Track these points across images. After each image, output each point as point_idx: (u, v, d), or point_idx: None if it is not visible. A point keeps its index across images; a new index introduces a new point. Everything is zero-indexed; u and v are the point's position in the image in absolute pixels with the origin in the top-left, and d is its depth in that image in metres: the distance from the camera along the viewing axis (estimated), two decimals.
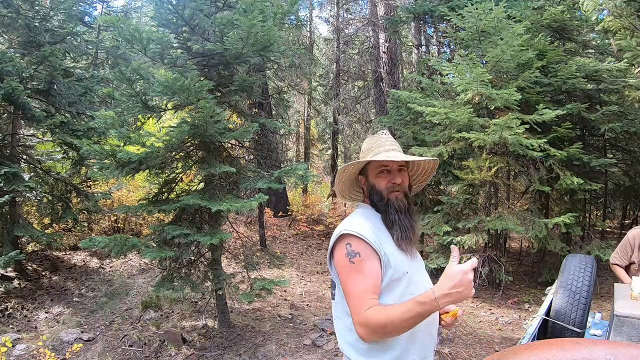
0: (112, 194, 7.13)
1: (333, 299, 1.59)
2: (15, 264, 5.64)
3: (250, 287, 4.52)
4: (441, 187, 8.21)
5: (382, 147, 1.57)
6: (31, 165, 6.38)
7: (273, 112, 9.40)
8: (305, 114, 14.50)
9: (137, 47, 3.92)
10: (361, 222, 1.49)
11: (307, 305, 5.72)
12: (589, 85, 6.36)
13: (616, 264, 3.29)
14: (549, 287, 3.55)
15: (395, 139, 1.69)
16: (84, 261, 6.71)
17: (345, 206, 10.78)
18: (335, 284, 1.56)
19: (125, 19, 4.01)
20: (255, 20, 3.79)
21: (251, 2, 3.93)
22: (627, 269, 3.27)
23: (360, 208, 1.62)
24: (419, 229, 1.57)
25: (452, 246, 1.38)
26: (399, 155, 1.54)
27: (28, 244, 6.59)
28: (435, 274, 6.48)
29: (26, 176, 6.04)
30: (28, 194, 6.19)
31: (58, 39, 6.22)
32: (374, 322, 1.34)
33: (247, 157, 6.40)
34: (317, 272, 7.35)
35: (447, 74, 6.47)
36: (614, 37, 5.89)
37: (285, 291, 6.16)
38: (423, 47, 12.68)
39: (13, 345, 4.15)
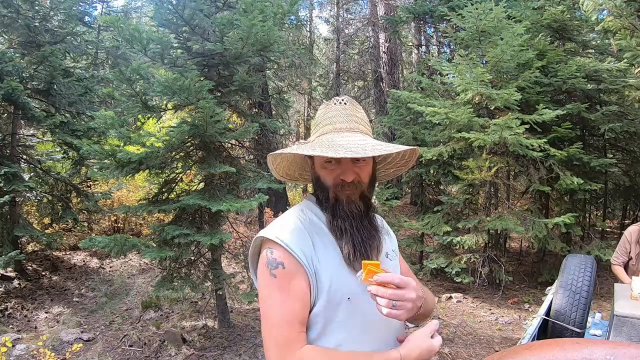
0: (112, 194, 7.13)
1: None
2: (15, 264, 5.64)
3: (250, 287, 4.52)
4: (441, 187, 8.21)
5: (330, 125, 1.12)
6: (31, 165, 6.38)
7: (273, 112, 9.39)
8: (305, 114, 14.51)
9: (137, 47, 3.92)
10: (291, 224, 1.10)
11: None
12: (589, 85, 6.36)
13: (616, 264, 3.32)
14: (549, 287, 3.55)
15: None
16: (84, 261, 6.71)
17: None
18: None
19: (125, 19, 4.02)
20: (255, 20, 3.79)
21: (251, 2, 3.93)
22: (626, 267, 3.29)
23: (303, 202, 1.21)
24: (382, 243, 1.16)
25: (433, 321, 1.11)
26: (347, 145, 1.06)
27: (28, 244, 6.59)
28: (434, 274, 6.50)
29: (26, 176, 6.05)
30: (28, 194, 6.19)
31: (58, 39, 6.22)
32: None
33: (247, 157, 6.40)
34: None
35: (447, 74, 6.47)
36: (614, 37, 5.89)
37: None
38: (423, 47, 12.68)
39: (13, 345, 4.15)
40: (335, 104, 1.14)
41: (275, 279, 1.03)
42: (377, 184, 1.28)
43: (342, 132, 1.10)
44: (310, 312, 1.06)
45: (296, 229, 1.08)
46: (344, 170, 1.09)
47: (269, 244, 1.07)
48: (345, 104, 1.14)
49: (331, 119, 1.12)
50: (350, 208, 1.10)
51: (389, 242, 1.26)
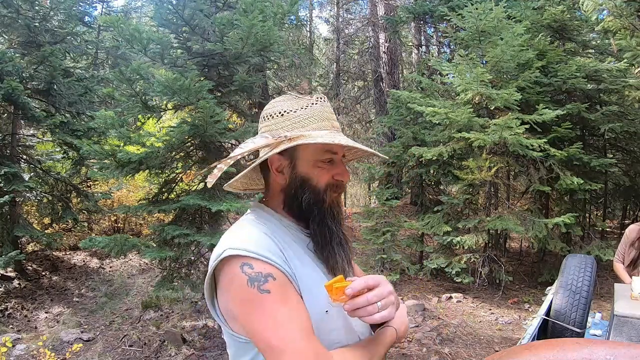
0: (112, 194, 7.13)
1: None
2: (15, 264, 5.65)
3: None
4: (441, 187, 8.21)
5: (327, 122, 1.00)
6: (31, 165, 6.39)
7: None
8: None
9: (137, 47, 3.93)
10: (255, 235, 0.91)
11: None
12: (589, 85, 6.35)
13: (617, 262, 3.32)
14: (549, 287, 3.55)
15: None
16: (84, 261, 6.71)
17: (345, 206, 10.76)
18: (227, 339, 0.97)
19: (125, 19, 4.01)
20: (255, 20, 3.79)
21: (251, 2, 3.93)
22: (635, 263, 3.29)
23: (254, 212, 1.01)
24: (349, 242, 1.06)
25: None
26: (353, 143, 0.98)
27: (28, 244, 6.59)
28: (434, 274, 6.50)
29: (26, 176, 6.05)
30: (28, 194, 6.20)
31: (58, 39, 6.23)
32: None
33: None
34: None
35: (447, 74, 6.47)
36: (614, 37, 5.89)
37: None
38: (423, 47, 12.68)
39: (13, 345, 4.15)
40: (315, 102, 1.01)
41: (269, 295, 0.84)
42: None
43: (339, 130, 1.02)
44: None
45: (262, 239, 0.90)
46: (341, 170, 1.00)
47: (239, 260, 0.86)
48: (324, 100, 1.03)
49: (324, 114, 1.01)
50: (337, 210, 1.01)
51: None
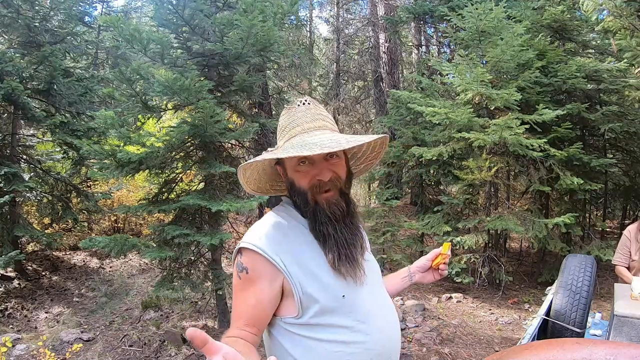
0: (112, 194, 7.13)
1: None
2: (15, 264, 5.64)
3: None
4: (441, 187, 8.21)
5: (298, 127, 1.09)
6: (31, 165, 6.39)
7: (273, 112, 9.39)
8: None
9: (137, 47, 3.92)
10: (266, 230, 1.10)
11: None
12: (589, 85, 6.35)
13: (618, 265, 3.30)
14: (549, 287, 3.55)
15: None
16: (84, 261, 6.71)
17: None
18: None
19: (125, 19, 4.01)
20: (255, 20, 3.79)
21: (251, 2, 3.93)
22: (629, 268, 3.27)
23: (280, 207, 1.19)
24: (363, 238, 1.18)
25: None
26: (320, 142, 1.03)
27: (28, 244, 6.59)
28: None
29: (26, 176, 6.05)
30: (28, 194, 6.19)
31: (58, 39, 6.22)
32: None
33: (247, 157, 6.40)
34: None
35: (447, 74, 6.47)
36: (614, 37, 5.88)
37: None
38: (423, 47, 12.68)
39: (13, 345, 4.15)
40: (298, 105, 1.12)
41: (239, 281, 1.08)
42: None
43: (311, 131, 1.08)
44: (302, 317, 1.07)
45: (271, 234, 1.08)
46: (320, 169, 1.07)
47: (242, 250, 1.09)
48: (308, 104, 1.12)
49: (297, 120, 1.10)
50: (332, 210, 1.08)
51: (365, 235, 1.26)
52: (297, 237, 1.10)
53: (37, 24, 5.91)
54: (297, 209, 1.13)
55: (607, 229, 7.75)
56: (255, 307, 1.06)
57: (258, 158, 1.09)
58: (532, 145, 5.34)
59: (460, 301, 5.85)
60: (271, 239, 1.07)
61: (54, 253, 6.75)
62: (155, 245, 4.25)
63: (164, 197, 4.55)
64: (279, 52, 4.57)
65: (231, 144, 5.17)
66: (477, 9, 5.80)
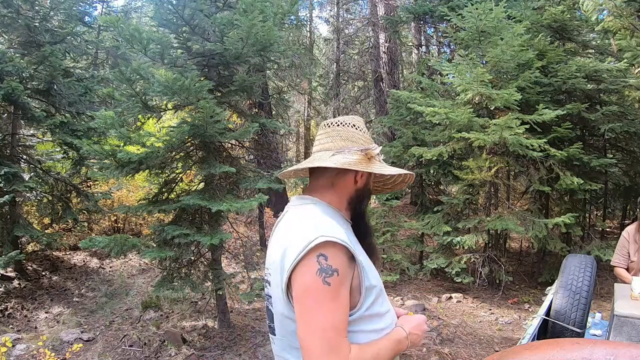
0: (112, 194, 7.13)
1: (273, 333, 1.16)
2: (15, 264, 5.65)
3: (250, 287, 4.52)
4: (441, 187, 8.22)
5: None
6: (31, 165, 6.38)
7: (273, 112, 9.39)
8: (305, 114, 14.52)
9: (137, 47, 3.92)
10: (331, 222, 1.06)
11: None
12: (589, 85, 6.35)
13: (617, 266, 3.29)
14: (549, 287, 3.55)
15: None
16: (84, 261, 6.71)
17: None
18: (272, 313, 1.13)
19: (125, 19, 4.01)
20: (255, 20, 3.78)
21: (251, 2, 3.93)
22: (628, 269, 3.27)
23: (319, 206, 1.15)
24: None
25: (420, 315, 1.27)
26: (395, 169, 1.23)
27: (28, 244, 6.59)
28: (434, 274, 6.50)
29: (26, 176, 6.05)
30: (28, 194, 6.20)
31: (58, 39, 6.22)
32: None
33: (247, 157, 6.40)
34: None
35: (447, 74, 6.47)
36: (614, 37, 5.89)
37: None
38: (423, 47, 12.69)
39: (13, 345, 4.15)
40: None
41: (328, 288, 0.98)
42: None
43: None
44: (361, 309, 1.08)
45: (336, 225, 1.06)
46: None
47: (323, 247, 0.99)
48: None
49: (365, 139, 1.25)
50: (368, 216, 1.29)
51: None
52: (351, 237, 1.12)
53: (37, 24, 5.91)
54: (350, 211, 1.21)
55: (607, 229, 7.75)
56: (347, 313, 1.02)
57: (388, 170, 1.19)
58: (532, 145, 5.34)
59: (460, 301, 5.85)
60: (339, 229, 1.04)
61: (54, 253, 6.75)
62: (155, 245, 4.24)
63: (164, 197, 4.55)
64: (279, 52, 4.57)
65: (231, 144, 5.17)
66: (477, 9, 5.80)
